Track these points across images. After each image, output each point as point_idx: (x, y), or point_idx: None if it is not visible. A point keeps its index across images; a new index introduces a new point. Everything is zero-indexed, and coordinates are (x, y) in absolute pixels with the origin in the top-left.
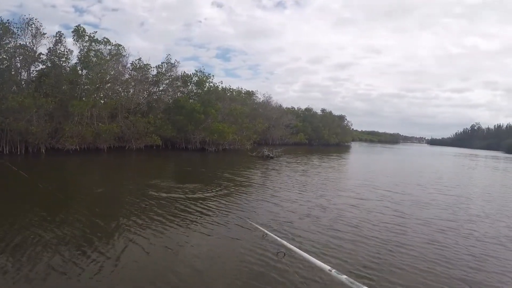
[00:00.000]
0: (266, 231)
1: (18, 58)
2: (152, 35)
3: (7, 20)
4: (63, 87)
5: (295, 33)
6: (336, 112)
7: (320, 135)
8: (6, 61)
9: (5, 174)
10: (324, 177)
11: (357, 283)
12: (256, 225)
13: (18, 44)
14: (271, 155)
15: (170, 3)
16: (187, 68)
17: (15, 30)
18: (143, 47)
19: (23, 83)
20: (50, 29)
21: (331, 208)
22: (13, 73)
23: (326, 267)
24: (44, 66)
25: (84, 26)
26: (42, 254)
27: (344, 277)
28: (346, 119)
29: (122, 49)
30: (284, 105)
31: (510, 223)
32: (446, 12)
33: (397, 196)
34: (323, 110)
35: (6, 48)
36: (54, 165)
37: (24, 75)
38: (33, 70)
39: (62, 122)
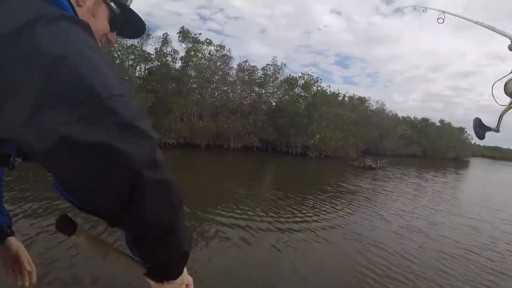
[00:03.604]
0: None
1: (130, 57)
2: (272, 42)
3: None
4: (168, 85)
5: (414, 40)
6: (457, 124)
7: (436, 148)
8: (118, 59)
9: None
10: (437, 199)
11: None
12: None
13: (129, 45)
14: (373, 165)
15: (289, 12)
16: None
17: None
18: (264, 53)
19: (135, 79)
20: (176, 35)
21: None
22: (128, 70)
23: None
24: (153, 65)
25: (209, 32)
26: None
27: None
28: (466, 132)
29: (227, 50)
30: (401, 114)
31: None
32: None
33: None
34: (441, 121)
35: (118, 47)
36: None
37: (135, 72)
38: (144, 68)
39: (162, 117)
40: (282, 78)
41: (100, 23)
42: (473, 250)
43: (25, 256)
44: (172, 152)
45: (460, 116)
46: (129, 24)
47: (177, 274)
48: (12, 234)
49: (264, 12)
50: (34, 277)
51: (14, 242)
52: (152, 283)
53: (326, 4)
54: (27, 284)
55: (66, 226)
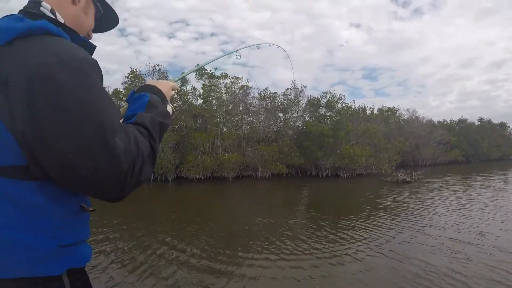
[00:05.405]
0: None
1: None
2: (297, 66)
3: (135, 69)
4: (192, 122)
5: (438, 38)
6: (497, 120)
7: (478, 150)
8: None
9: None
10: (482, 206)
11: None
12: None
13: None
14: (407, 178)
15: (309, 33)
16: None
17: (143, 76)
18: (291, 78)
19: None
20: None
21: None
22: None
23: None
24: (176, 105)
25: (234, 66)
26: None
27: None
28: (509, 127)
29: (246, 81)
30: (438, 119)
31: None
32: None
33: None
34: (480, 119)
35: None
36: (175, 193)
37: None
38: None
39: (187, 153)
40: (305, 100)
41: (90, 20)
42: None
43: None
44: (200, 186)
45: (500, 109)
46: (107, 19)
47: None
48: None
49: (285, 38)
50: None
51: None
52: None
53: (344, 19)
54: None
55: None
